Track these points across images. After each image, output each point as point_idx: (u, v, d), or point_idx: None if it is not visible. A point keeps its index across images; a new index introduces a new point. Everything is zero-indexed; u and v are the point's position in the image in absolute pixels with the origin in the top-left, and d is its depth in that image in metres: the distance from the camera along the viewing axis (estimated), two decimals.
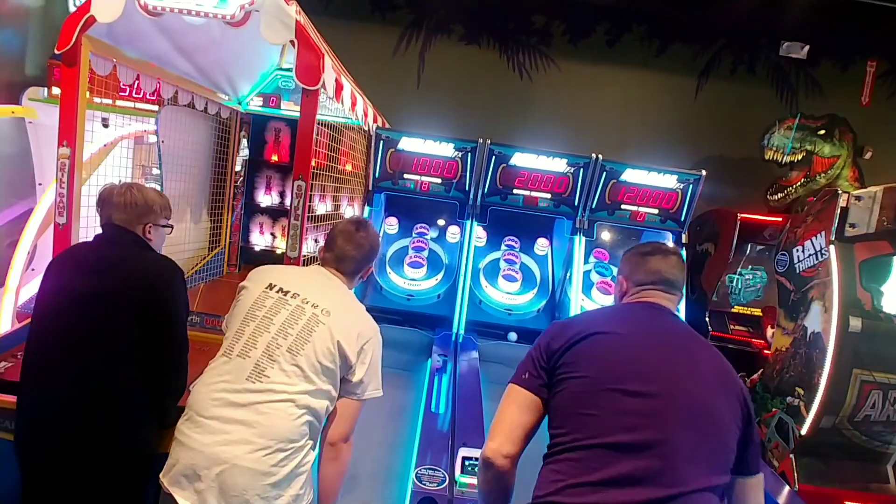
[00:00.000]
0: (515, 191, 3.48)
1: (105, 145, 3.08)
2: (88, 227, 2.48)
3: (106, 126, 3.08)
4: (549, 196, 3.49)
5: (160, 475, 1.37)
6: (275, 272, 1.62)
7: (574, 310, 3.36)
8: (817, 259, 2.82)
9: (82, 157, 2.21)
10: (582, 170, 3.40)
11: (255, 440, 1.32)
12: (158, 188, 2.93)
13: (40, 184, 3.29)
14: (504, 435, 1.26)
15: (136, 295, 1.56)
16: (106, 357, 1.53)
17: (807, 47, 5.01)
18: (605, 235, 4.00)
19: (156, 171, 3.29)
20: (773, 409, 2.95)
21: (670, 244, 3.34)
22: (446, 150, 3.44)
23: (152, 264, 1.66)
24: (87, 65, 2.13)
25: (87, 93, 2.20)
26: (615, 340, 1.28)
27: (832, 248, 2.72)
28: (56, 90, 3.40)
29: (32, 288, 3.00)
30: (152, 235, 1.76)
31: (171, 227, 1.87)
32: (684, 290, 3.49)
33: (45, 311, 1.62)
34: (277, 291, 1.52)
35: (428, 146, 3.44)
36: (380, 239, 1.77)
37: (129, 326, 1.54)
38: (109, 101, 2.85)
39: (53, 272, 1.67)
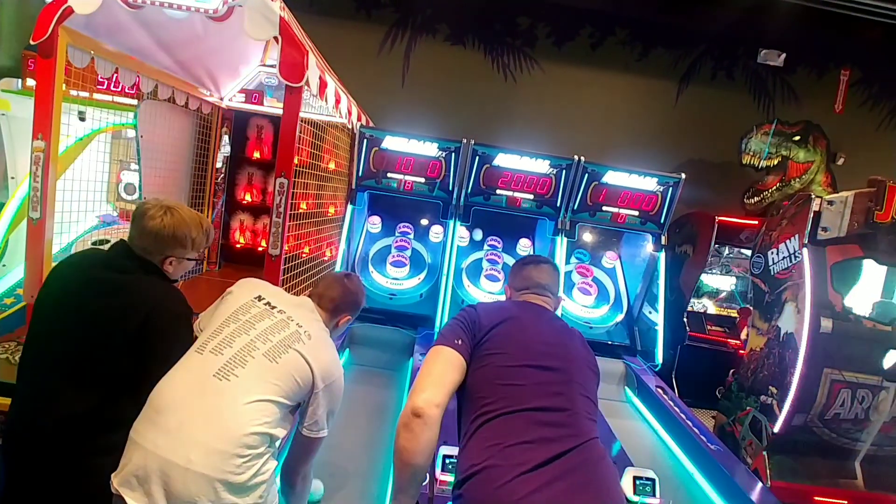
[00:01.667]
0: (498, 191, 3.51)
1: (81, 139, 3.02)
2: (63, 222, 2.44)
3: (83, 119, 3.01)
4: (531, 197, 3.52)
5: (111, 475, 1.32)
6: (265, 287, 1.65)
7: None
8: (791, 261, 2.90)
9: (57, 150, 2.17)
10: (564, 171, 3.44)
11: (212, 444, 1.28)
12: (137, 185, 2.88)
13: (13, 177, 3.20)
14: (436, 386, 1.35)
15: (129, 331, 1.47)
16: (97, 385, 1.47)
17: (783, 55, 5.13)
18: (587, 236, 4.05)
19: (134, 167, 3.23)
20: (748, 408, 3.02)
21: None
22: (430, 149, 3.44)
23: (154, 301, 1.51)
24: (64, 56, 2.09)
25: (64, 85, 2.15)
26: (526, 325, 1.54)
27: (805, 250, 2.80)
28: (31, 82, 3.32)
29: (4, 283, 2.92)
30: (172, 268, 1.62)
31: (202, 259, 1.73)
32: (663, 292, 3.58)
33: (45, 318, 1.56)
34: (265, 304, 1.54)
35: (412, 145, 3.44)
36: (365, 296, 1.85)
37: (122, 359, 1.47)
38: (86, 94, 2.80)
39: (59, 276, 1.59)
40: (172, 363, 1.44)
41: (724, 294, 4.60)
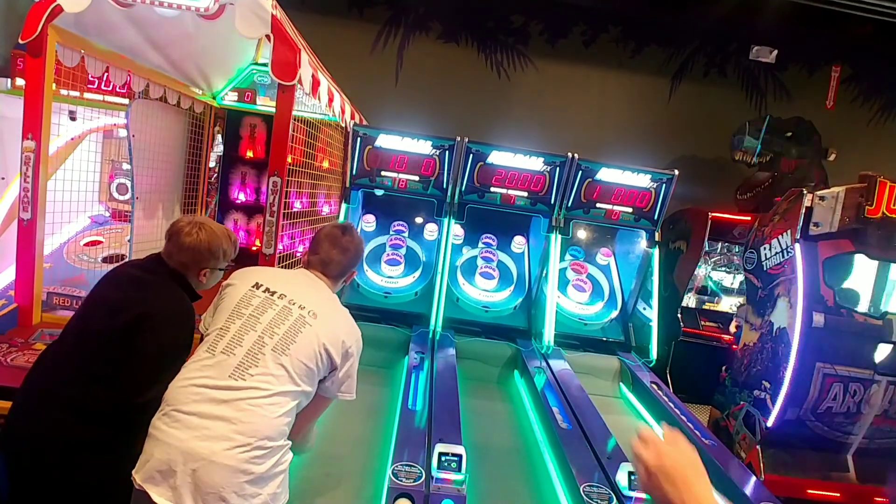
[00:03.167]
0: (493, 189, 3.51)
1: (72, 139, 2.99)
2: (54, 222, 2.42)
3: (73, 119, 2.99)
4: (525, 194, 3.52)
5: (132, 472, 1.35)
6: (261, 273, 1.64)
7: (550, 307, 3.41)
8: (783, 257, 2.92)
9: (48, 150, 2.16)
10: (558, 169, 3.45)
11: (235, 437, 1.31)
12: (129, 184, 2.87)
13: (3, 178, 3.17)
14: None
15: (127, 321, 1.53)
16: (88, 376, 1.52)
17: (775, 52, 5.16)
18: (581, 234, 4.06)
19: (126, 167, 3.21)
20: (741, 403, 3.04)
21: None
22: (424, 147, 3.44)
23: (160, 301, 1.60)
24: (54, 55, 2.08)
25: (54, 84, 2.14)
26: None
27: (797, 246, 2.82)
28: (20, 81, 3.29)
29: None
30: (206, 279, 1.74)
31: (232, 265, 1.84)
32: (657, 288, 3.59)
33: (76, 313, 1.68)
34: (264, 291, 1.53)
35: (406, 143, 3.44)
36: (364, 244, 1.81)
37: (114, 347, 1.52)
38: (77, 94, 2.78)
39: (103, 278, 1.71)
40: (158, 365, 1.46)
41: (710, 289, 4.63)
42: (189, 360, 1.47)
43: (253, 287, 1.54)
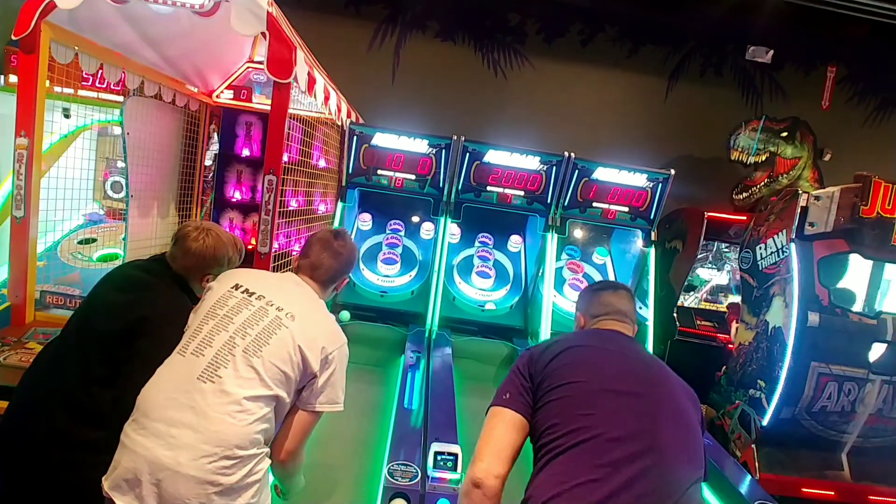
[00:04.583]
0: (489, 188, 3.50)
1: (66, 136, 2.98)
2: (48, 220, 2.41)
3: (67, 116, 2.98)
4: (522, 193, 3.52)
5: (102, 478, 1.31)
6: (244, 274, 1.58)
7: (546, 306, 3.41)
8: (779, 256, 2.93)
9: (41, 148, 2.14)
10: (555, 168, 3.45)
11: (200, 446, 1.26)
12: (124, 182, 2.85)
13: None
14: (494, 454, 1.29)
15: (126, 323, 1.52)
16: (88, 376, 1.51)
17: (771, 52, 5.18)
18: (578, 233, 4.06)
19: (121, 164, 3.20)
20: (737, 402, 3.05)
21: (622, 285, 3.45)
22: (420, 146, 3.43)
23: (159, 303, 1.59)
24: (47, 52, 2.07)
25: (47, 81, 2.12)
26: (593, 351, 1.43)
27: (793, 245, 2.82)
28: (13, 78, 3.27)
29: None
30: (209, 284, 1.67)
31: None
32: (654, 288, 3.61)
33: (75, 312, 1.67)
34: (243, 292, 1.48)
35: (402, 142, 3.43)
36: (357, 251, 1.75)
37: (115, 350, 1.51)
38: (71, 91, 2.76)
39: (102, 279, 1.70)
40: (153, 367, 1.42)
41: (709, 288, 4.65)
42: (163, 363, 1.43)
43: (232, 288, 1.49)
